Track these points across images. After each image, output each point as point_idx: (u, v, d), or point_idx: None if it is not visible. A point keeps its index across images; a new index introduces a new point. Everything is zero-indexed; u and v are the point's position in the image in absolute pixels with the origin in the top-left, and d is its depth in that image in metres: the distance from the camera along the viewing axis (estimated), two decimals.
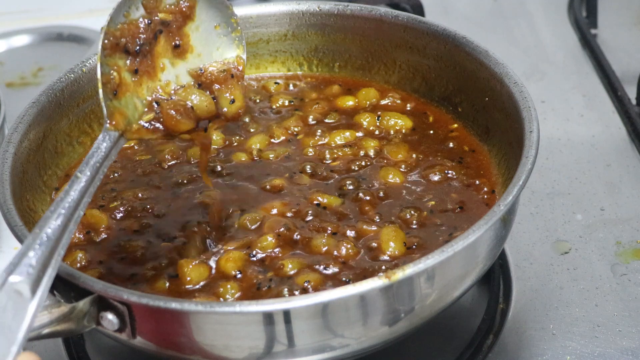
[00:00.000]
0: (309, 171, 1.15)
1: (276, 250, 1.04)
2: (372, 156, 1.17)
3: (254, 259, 1.03)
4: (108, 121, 0.97)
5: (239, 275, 1.01)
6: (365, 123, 1.23)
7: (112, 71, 0.99)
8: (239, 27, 1.06)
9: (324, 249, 1.03)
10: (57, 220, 0.88)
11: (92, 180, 0.92)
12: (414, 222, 1.07)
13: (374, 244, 1.03)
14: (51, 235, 0.86)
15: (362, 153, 1.18)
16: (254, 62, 1.34)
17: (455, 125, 1.21)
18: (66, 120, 1.20)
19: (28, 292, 0.82)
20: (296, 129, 1.23)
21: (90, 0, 1.98)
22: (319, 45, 1.33)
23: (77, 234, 1.08)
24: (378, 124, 1.22)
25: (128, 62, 1.00)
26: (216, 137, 1.21)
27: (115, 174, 1.18)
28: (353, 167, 1.15)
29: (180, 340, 0.93)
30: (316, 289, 0.99)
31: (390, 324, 0.95)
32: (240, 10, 1.32)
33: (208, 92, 1.04)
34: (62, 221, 0.88)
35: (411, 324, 0.97)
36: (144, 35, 1.01)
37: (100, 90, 0.98)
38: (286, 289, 0.98)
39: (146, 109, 1.01)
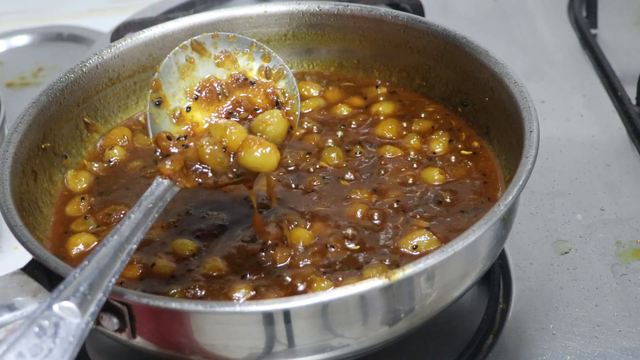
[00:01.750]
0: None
1: None
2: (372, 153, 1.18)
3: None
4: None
5: None
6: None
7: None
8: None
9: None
10: (107, 252, 0.89)
11: (144, 219, 0.94)
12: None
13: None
14: (100, 263, 0.88)
15: (358, 152, 1.19)
16: None
17: (475, 144, 1.20)
18: (66, 120, 1.20)
19: (77, 314, 0.84)
20: (297, 133, 1.23)
21: (90, 0, 1.98)
22: (319, 45, 1.33)
23: None
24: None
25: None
26: None
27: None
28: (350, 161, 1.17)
29: (180, 340, 0.93)
30: None
31: (390, 324, 0.95)
32: (240, 11, 1.32)
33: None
34: (112, 253, 0.89)
35: (411, 324, 0.97)
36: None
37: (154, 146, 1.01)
38: None
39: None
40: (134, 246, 0.92)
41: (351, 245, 1.04)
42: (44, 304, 0.83)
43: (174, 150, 1.01)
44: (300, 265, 1.02)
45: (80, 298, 0.85)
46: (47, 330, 0.82)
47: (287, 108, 1.07)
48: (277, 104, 1.07)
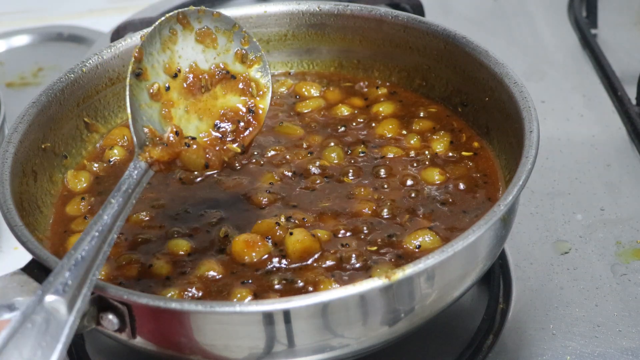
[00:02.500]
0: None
1: None
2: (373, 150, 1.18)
3: None
4: (138, 151, 0.99)
5: None
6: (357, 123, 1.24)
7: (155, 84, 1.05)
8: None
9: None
10: (91, 242, 0.89)
11: (124, 205, 0.94)
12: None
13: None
14: (85, 256, 0.88)
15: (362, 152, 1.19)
16: None
17: (476, 144, 1.20)
18: (66, 120, 1.20)
19: (64, 311, 0.84)
20: (297, 132, 1.23)
21: (90, 0, 1.98)
22: (319, 45, 1.33)
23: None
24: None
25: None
26: None
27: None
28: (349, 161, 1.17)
29: (180, 340, 0.93)
30: None
31: (390, 324, 0.95)
32: (240, 11, 1.32)
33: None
34: (96, 243, 0.89)
35: (411, 324, 0.97)
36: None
37: (130, 120, 1.00)
38: None
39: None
40: (115, 236, 0.92)
41: (364, 245, 1.04)
42: (36, 297, 0.83)
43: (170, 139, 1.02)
44: (314, 266, 1.02)
45: (68, 293, 0.84)
46: (39, 326, 0.81)
47: (260, 106, 1.09)
48: (251, 112, 1.09)
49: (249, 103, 1.09)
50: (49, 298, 0.83)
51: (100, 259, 0.89)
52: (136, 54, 1.04)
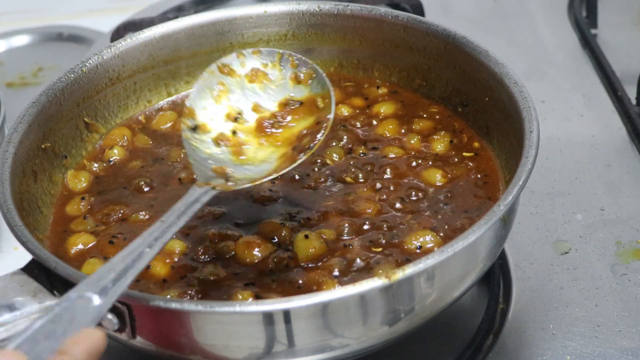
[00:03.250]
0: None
1: None
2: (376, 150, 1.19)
3: None
4: (201, 182, 0.98)
5: None
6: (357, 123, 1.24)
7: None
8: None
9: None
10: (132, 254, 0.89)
11: (177, 220, 0.93)
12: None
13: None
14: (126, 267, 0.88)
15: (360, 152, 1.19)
16: None
17: (476, 145, 1.20)
18: (66, 120, 1.20)
19: (98, 307, 0.84)
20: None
21: (90, 0, 1.98)
22: (319, 45, 1.33)
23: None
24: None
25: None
26: None
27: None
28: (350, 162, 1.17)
29: (180, 340, 0.93)
30: None
31: (390, 324, 0.95)
32: (240, 11, 1.32)
33: None
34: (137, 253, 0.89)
35: (411, 324, 0.97)
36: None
37: (194, 168, 1.00)
38: None
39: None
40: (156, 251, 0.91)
41: (367, 245, 1.04)
42: (76, 294, 0.83)
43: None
44: (318, 267, 1.02)
45: (104, 294, 0.84)
46: (68, 318, 0.81)
47: (328, 116, 1.06)
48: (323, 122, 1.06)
49: (322, 117, 1.07)
50: (88, 294, 0.83)
51: (137, 269, 0.88)
52: (186, 112, 1.03)
